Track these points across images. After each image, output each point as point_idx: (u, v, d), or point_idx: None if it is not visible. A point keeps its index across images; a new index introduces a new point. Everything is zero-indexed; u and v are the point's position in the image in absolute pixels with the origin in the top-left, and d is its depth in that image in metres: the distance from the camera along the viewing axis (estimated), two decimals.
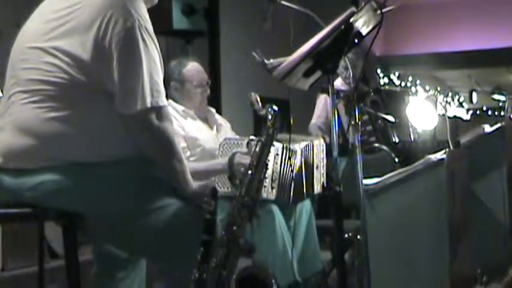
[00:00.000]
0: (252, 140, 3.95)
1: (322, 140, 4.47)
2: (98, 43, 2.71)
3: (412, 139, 5.52)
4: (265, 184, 3.95)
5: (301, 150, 4.18)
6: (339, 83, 5.86)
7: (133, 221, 2.73)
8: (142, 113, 2.74)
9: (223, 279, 2.53)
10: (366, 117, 5.51)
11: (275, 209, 4.10)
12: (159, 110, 2.81)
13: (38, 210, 2.77)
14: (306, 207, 4.40)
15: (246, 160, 3.73)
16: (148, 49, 2.77)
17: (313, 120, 6.19)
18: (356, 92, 4.92)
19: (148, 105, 2.74)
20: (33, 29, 2.87)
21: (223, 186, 4.09)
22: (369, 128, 5.55)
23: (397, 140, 5.51)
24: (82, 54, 2.71)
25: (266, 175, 3.93)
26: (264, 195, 3.96)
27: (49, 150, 2.72)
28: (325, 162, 4.38)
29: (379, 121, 5.51)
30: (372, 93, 5.68)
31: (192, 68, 4.46)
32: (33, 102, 2.75)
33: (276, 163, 4.04)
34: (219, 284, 2.52)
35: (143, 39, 2.75)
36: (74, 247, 2.80)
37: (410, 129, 5.54)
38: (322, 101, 6.10)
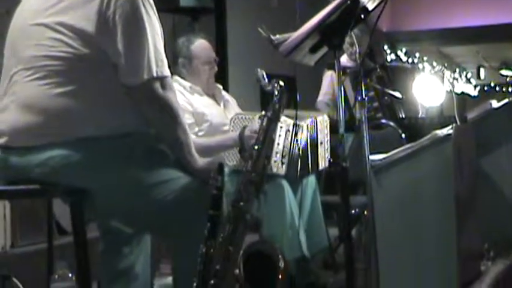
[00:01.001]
0: (263, 115, 3.96)
1: (326, 116, 4.47)
2: (102, 15, 2.71)
3: (420, 115, 5.51)
4: (275, 159, 3.97)
5: (307, 126, 4.18)
6: (344, 59, 5.85)
7: (139, 194, 2.74)
8: (148, 82, 2.75)
9: (230, 254, 2.54)
10: (372, 93, 5.50)
11: (285, 183, 4.11)
12: (163, 80, 2.82)
13: (46, 187, 2.79)
14: (310, 182, 4.41)
15: (256, 134, 3.74)
16: (151, 20, 2.79)
17: (320, 97, 6.18)
18: (362, 68, 4.92)
19: (154, 74, 2.76)
20: (32, 7, 2.87)
21: (233, 160, 4.10)
22: (375, 104, 5.55)
23: (403, 116, 5.51)
24: (86, 27, 2.71)
25: (277, 150, 3.95)
26: (274, 170, 3.97)
27: (56, 126, 2.73)
28: (328, 138, 4.39)
29: (386, 97, 5.51)
30: (378, 70, 5.67)
31: (200, 45, 4.47)
32: (38, 78, 2.75)
33: (287, 139, 4.05)
34: (225, 260, 2.53)
35: (146, 10, 2.76)
36: (81, 224, 2.81)
37: (419, 106, 5.54)
38: (329, 77, 6.09)
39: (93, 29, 2.72)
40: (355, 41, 5.21)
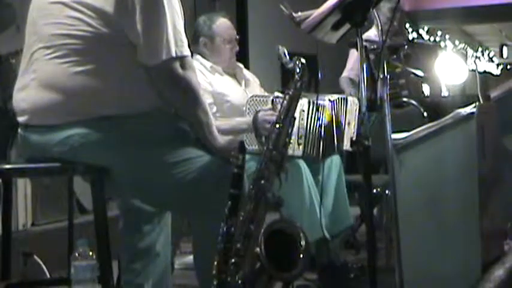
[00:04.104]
0: (276, 97, 3.93)
1: (356, 99, 4.42)
2: None
3: (444, 94, 5.47)
4: (290, 141, 3.93)
5: (332, 104, 4.14)
6: (372, 34, 5.77)
7: (160, 173, 2.73)
8: (168, 62, 2.74)
9: (251, 233, 2.53)
10: (399, 70, 5.45)
11: (302, 163, 4.09)
12: (183, 60, 2.80)
13: (67, 165, 2.79)
14: (335, 162, 4.38)
15: (270, 117, 3.72)
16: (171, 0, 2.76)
17: (345, 73, 6.10)
18: (388, 45, 4.86)
19: (173, 54, 2.74)
20: None
21: (252, 144, 4.08)
22: (402, 81, 5.50)
23: (428, 94, 5.47)
24: (105, 7, 2.70)
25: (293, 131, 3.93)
26: (290, 151, 3.93)
27: (75, 104, 2.72)
28: (357, 120, 4.34)
29: (412, 75, 5.46)
30: (406, 47, 5.61)
31: (222, 23, 4.44)
32: (58, 57, 2.74)
33: (302, 119, 4.01)
34: (246, 238, 2.52)
35: None
36: (102, 202, 2.81)
37: (442, 84, 5.49)
38: (355, 54, 6.02)
39: (112, 9, 2.70)
40: (379, 18, 5.16)
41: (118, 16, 2.71)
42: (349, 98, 4.32)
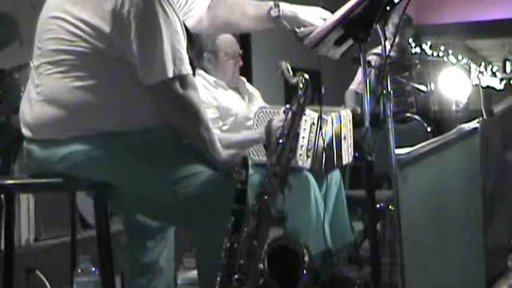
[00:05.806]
0: (288, 108, 3.94)
1: (349, 111, 4.43)
2: (116, 14, 2.67)
3: (454, 108, 5.47)
4: (300, 152, 3.94)
5: (332, 120, 4.15)
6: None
7: (163, 189, 2.72)
8: (165, 82, 2.71)
9: (254, 249, 2.52)
10: (409, 87, 5.45)
11: (310, 176, 4.09)
12: (183, 78, 2.77)
13: (70, 180, 2.78)
14: (335, 178, 4.38)
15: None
16: (169, 18, 2.72)
17: (352, 87, 6.09)
18: (401, 63, 4.85)
19: (170, 74, 2.71)
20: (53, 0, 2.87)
21: (258, 155, 4.08)
22: (411, 99, 5.49)
23: (436, 109, 5.47)
24: (101, 25, 2.69)
25: (302, 143, 3.93)
26: (300, 163, 3.94)
27: (77, 120, 2.72)
28: (351, 133, 4.35)
29: (422, 93, 5.45)
30: (419, 65, 5.61)
31: (225, 39, 4.46)
32: (59, 72, 2.74)
33: (312, 132, 4.02)
34: (249, 254, 2.51)
35: (162, 8, 2.70)
36: (105, 217, 2.80)
37: (453, 99, 5.49)
38: None
39: (109, 28, 2.69)
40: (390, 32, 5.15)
41: (115, 36, 2.69)
42: (342, 112, 4.32)
